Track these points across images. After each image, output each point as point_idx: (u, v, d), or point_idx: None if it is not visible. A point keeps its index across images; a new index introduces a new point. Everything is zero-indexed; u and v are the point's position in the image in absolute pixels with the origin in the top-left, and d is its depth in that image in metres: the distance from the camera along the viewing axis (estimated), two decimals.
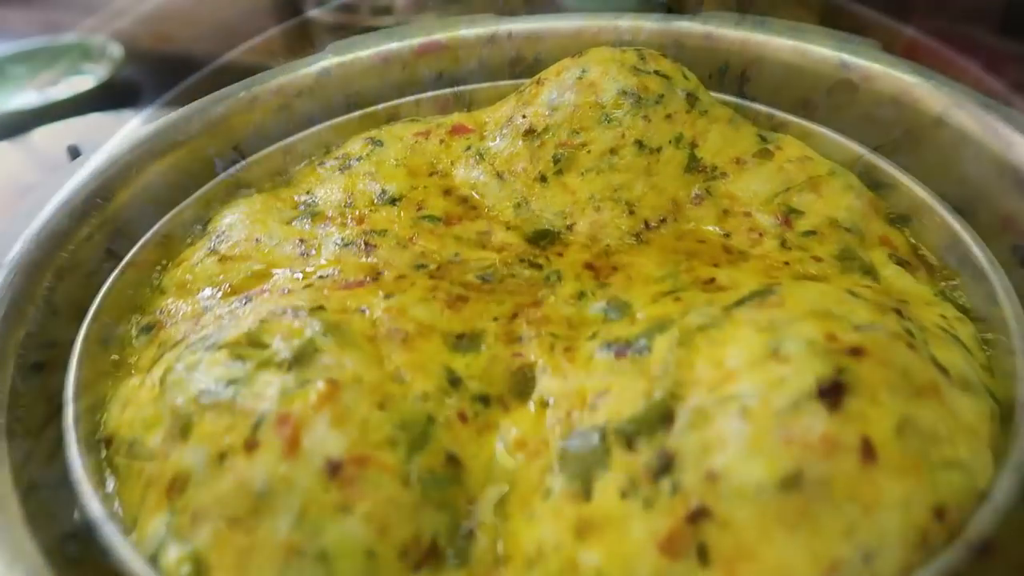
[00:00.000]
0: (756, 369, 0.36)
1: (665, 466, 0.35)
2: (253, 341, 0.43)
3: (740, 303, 0.41)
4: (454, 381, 0.43)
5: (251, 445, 0.37)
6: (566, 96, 0.61)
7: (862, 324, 0.37)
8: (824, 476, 0.32)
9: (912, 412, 0.34)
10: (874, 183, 0.57)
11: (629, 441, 0.37)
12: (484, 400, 0.43)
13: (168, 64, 1.23)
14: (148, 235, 0.57)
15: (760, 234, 0.54)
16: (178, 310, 0.52)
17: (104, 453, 0.44)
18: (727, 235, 0.55)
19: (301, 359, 0.41)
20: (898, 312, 0.40)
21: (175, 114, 0.65)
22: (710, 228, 0.55)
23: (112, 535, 0.37)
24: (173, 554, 0.36)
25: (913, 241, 0.54)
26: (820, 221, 0.54)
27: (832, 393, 0.34)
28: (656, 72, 0.61)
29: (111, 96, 1.21)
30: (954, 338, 0.43)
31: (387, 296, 0.49)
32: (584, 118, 0.59)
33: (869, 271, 0.51)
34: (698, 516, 0.33)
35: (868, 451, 0.33)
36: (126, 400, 0.45)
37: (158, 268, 0.57)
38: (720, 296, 0.43)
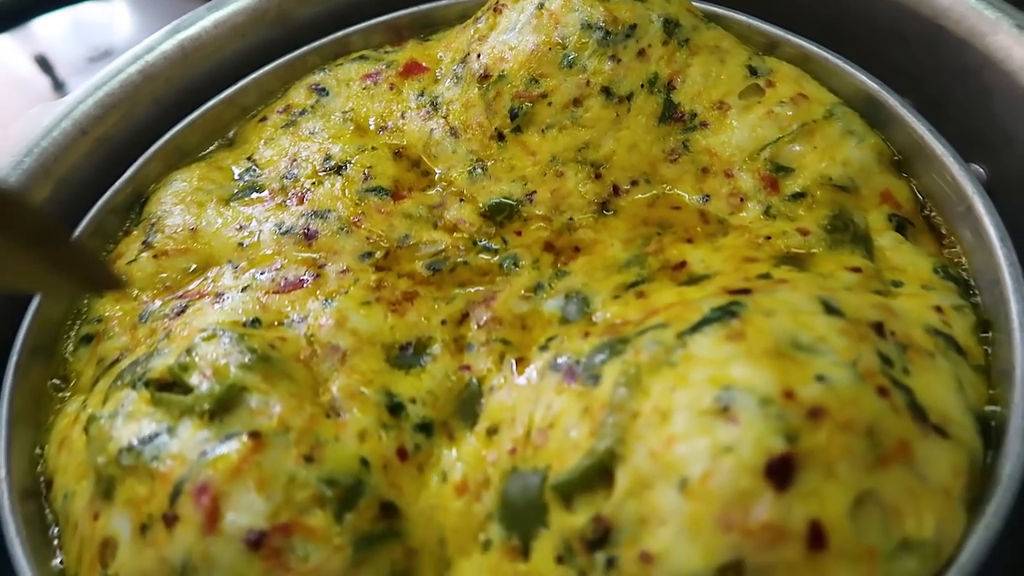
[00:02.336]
0: (702, 430, 0.32)
1: (601, 538, 0.32)
2: (177, 379, 0.40)
3: (698, 327, 0.36)
4: (395, 408, 0.41)
5: (170, 519, 0.35)
6: (524, 33, 0.53)
7: (828, 367, 0.32)
8: (766, 566, 0.29)
9: (873, 485, 0.30)
10: (880, 121, 0.49)
11: (567, 499, 0.34)
12: (426, 429, 0.40)
13: None
14: (84, 223, 0.53)
15: (742, 199, 0.48)
16: (115, 316, 0.49)
17: (45, 494, 0.43)
18: (706, 199, 0.49)
19: (224, 406, 0.38)
20: (878, 329, 0.35)
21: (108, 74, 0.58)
22: (686, 192, 0.49)
23: None
24: None
25: (920, 196, 0.48)
26: (811, 180, 0.47)
27: (781, 470, 0.30)
28: None
29: None
30: (947, 342, 0.38)
31: (327, 300, 0.45)
32: (544, 62, 0.51)
33: (863, 241, 0.45)
34: None
35: (817, 537, 0.29)
36: (63, 438, 0.44)
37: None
38: (684, 306, 0.39)
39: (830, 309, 0.36)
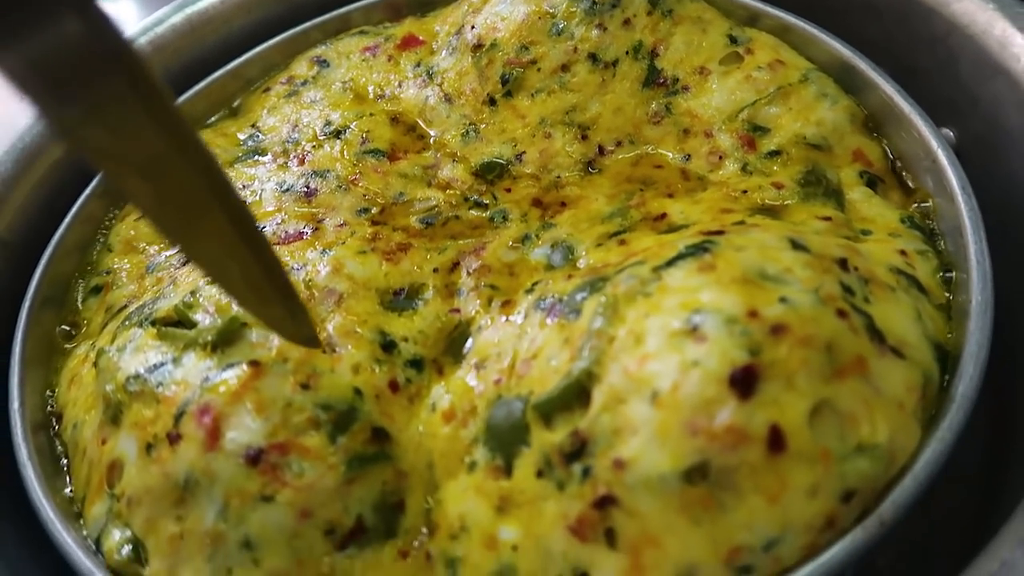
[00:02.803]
0: (672, 349, 0.34)
1: (578, 450, 0.34)
2: (182, 316, 0.42)
3: (672, 262, 0.38)
4: (387, 346, 0.43)
5: (174, 438, 0.37)
6: (515, 3, 0.55)
7: (791, 292, 0.35)
8: (729, 467, 0.32)
9: (829, 395, 0.32)
10: (854, 86, 0.52)
11: (547, 418, 0.36)
12: (417, 364, 0.43)
13: None
14: (91, 187, 0.56)
15: (720, 157, 0.50)
16: (123, 269, 0.52)
17: (55, 428, 0.45)
18: (687, 158, 0.51)
19: (226, 339, 0.40)
20: (842, 264, 0.38)
21: None
22: (669, 152, 0.52)
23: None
24: (115, 537, 0.38)
25: (890, 155, 0.50)
26: (787, 139, 0.49)
27: (744, 380, 0.32)
28: None
29: None
30: (910, 281, 0.40)
31: (324, 250, 0.48)
32: (534, 30, 0.54)
33: (835, 195, 0.47)
34: (605, 503, 0.33)
35: (777, 440, 0.32)
36: (72, 375, 0.46)
37: (107, 221, 0.56)
38: (661, 247, 0.41)
39: (796, 246, 0.38)
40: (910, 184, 0.48)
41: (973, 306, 0.38)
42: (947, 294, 0.42)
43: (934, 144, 0.46)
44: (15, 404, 0.44)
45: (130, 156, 0.22)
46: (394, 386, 0.42)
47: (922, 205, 0.47)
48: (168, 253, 0.51)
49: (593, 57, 0.53)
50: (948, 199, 0.44)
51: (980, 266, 0.40)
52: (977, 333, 0.37)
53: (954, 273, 0.42)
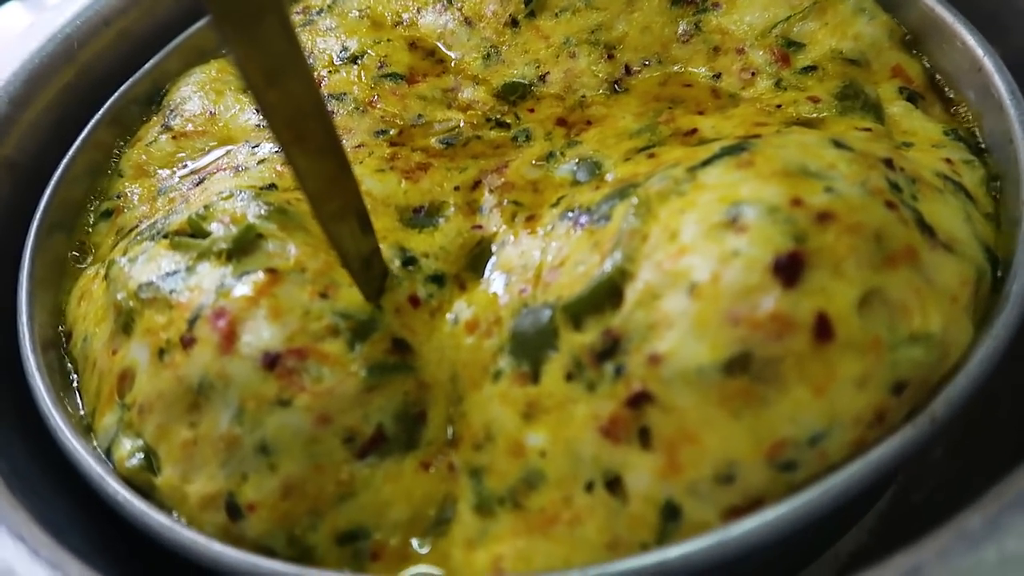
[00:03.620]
0: (710, 241, 0.32)
1: (610, 348, 0.33)
2: (196, 228, 0.41)
3: (708, 162, 0.36)
4: (407, 261, 0.41)
5: (188, 342, 0.36)
6: None
7: (836, 183, 0.33)
8: (773, 357, 0.30)
9: (879, 283, 0.31)
10: (892, 4, 0.49)
11: (576, 320, 0.35)
12: (438, 280, 0.41)
13: None
14: (100, 113, 0.54)
15: (753, 73, 0.48)
16: (135, 193, 0.50)
17: (65, 346, 0.44)
18: (717, 76, 0.49)
19: (242, 248, 0.39)
20: (887, 163, 0.36)
21: None
22: (698, 70, 0.50)
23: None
24: (126, 447, 0.37)
25: (930, 69, 0.48)
26: (822, 54, 0.47)
27: (789, 267, 0.30)
28: None
29: None
30: (956, 187, 0.38)
31: None
32: None
33: (874, 109, 0.45)
34: (640, 400, 0.31)
35: (824, 329, 0.30)
36: (83, 292, 0.45)
37: (117, 149, 0.55)
38: (695, 152, 0.39)
39: (839, 145, 0.36)
40: (952, 98, 0.46)
41: None
42: (995, 204, 0.40)
43: (980, 52, 0.43)
44: (23, 317, 0.42)
45: (264, 62, 0.28)
46: (415, 301, 0.40)
47: (966, 125, 0.45)
48: (181, 174, 0.50)
49: None
50: (995, 108, 0.42)
51: None
52: None
53: (1001, 183, 0.40)
